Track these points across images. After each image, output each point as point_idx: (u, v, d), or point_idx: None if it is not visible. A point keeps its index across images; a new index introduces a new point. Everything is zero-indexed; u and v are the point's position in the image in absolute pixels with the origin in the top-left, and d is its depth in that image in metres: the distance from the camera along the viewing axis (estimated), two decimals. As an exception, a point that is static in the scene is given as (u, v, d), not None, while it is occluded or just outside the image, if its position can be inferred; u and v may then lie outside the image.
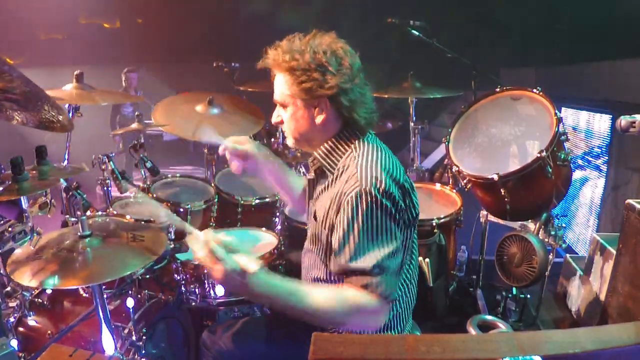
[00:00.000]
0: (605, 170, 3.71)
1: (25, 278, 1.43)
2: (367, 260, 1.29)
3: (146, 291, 2.12)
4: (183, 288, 2.19)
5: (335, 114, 1.44)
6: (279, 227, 2.92)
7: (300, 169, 3.37)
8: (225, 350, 1.66)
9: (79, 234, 1.62)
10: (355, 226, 1.30)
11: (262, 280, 1.28)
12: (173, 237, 2.60)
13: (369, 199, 1.29)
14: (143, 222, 1.92)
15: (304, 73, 1.38)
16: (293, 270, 2.21)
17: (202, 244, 1.27)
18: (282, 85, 1.45)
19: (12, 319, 1.94)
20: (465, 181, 2.45)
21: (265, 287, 1.29)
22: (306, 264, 1.62)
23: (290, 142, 1.54)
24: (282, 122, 1.52)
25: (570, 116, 4.24)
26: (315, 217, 1.50)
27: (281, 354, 1.63)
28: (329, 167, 1.48)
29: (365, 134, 1.48)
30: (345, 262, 1.31)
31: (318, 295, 1.32)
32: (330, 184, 1.48)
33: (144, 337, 1.85)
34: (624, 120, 1.88)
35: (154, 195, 2.78)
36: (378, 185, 1.30)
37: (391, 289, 1.32)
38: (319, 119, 1.44)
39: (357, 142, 1.46)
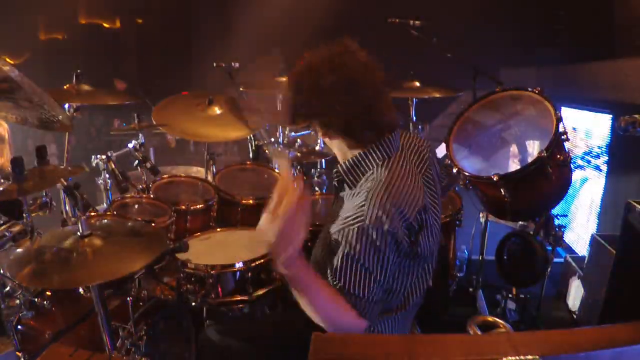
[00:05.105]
0: (605, 170, 3.71)
1: (25, 278, 1.43)
2: (356, 288, 1.30)
3: (146, 291, 2.11)
4: (183, 288, 2.19)
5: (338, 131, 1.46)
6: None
7: (301, 169, 3.36)
8: (223, 350, 1.68)
9: (78, 233, 1.62)
10: (350, 257, 1.30)
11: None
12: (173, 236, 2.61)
13: (368, 238, 1.29)
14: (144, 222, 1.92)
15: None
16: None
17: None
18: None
19: (12, 319, 1.94)
20: (465, 181, 2.45)
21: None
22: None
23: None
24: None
25: (570, 116, 4.23)
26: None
27: (280, 356, 1.64)
28: (350, 183, 1.49)
29: (377, 141, 1.46)
30: (340, 286, 1.31)
31: (325, 296, 1.31)
32: (348, 197, 1.47)
33: (144, 337, 1.85)
34: (624, 121, 1.88)
35: (154, 195, 2.78)
36: (382, 225, 1.28)
37: (372, 312, 1.33)
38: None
39: (383, 160, 1.44)
